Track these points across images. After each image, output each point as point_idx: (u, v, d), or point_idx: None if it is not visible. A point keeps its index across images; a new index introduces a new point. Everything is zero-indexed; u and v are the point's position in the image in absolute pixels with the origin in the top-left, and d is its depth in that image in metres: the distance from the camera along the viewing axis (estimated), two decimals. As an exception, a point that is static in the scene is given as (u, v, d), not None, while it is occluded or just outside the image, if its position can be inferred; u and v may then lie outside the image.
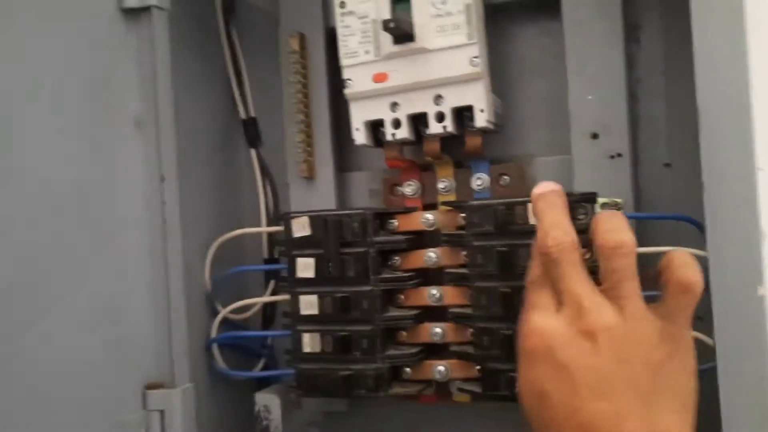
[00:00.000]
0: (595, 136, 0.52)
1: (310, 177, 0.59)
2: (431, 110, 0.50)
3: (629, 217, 0.50)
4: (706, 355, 0.40)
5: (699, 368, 0.39)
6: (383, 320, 0.52)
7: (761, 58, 0.38)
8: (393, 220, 0.54)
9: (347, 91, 0.52)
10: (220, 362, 0.58)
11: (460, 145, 0.53)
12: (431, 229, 0.54)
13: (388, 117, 0.52)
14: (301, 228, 0.53)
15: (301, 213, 0.53)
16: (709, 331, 0.41)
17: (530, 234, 0.44)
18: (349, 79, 0.52)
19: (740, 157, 0.38)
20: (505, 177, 0.55)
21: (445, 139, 0.52)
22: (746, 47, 0.38)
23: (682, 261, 0.37)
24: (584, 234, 0.45)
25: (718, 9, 0.38)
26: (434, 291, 0.53)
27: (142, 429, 0.49)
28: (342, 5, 0.51)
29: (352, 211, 0.52)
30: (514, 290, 0.47)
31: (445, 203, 0.55)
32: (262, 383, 0.62)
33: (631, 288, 0.37)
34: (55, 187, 0.44)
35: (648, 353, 0.36)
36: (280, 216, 0.57)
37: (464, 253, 0.51)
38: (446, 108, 0.50)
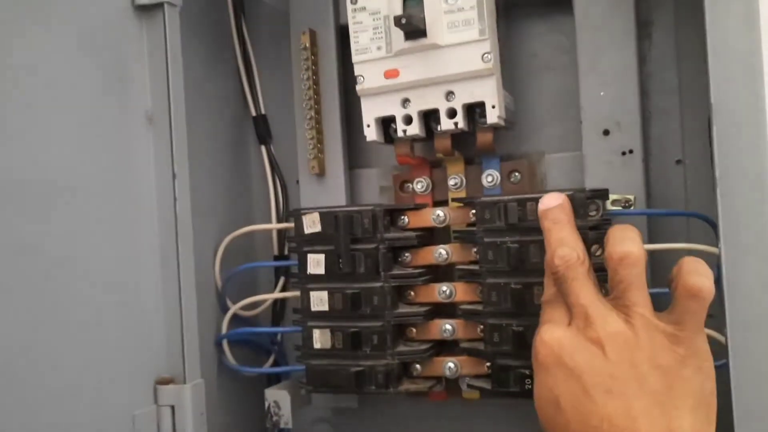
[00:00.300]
0: (606, 132, 0.52)
1: (320, 174, 0.59)
2: (442, 106, 0.50)
3: (641, 214, 0.51)
4: (717, 352, 0.40)
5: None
6: (393, 316, 0.52)
7: (775, 54, 0.38)
8: (404, 217, 0.54)
9: (359, 88, 0.52)
10: (231, 358, 0.58)
11: (471, 141, 0.53)
12: (442, 225, 0.54)
13: (399, 113, 0.51)
14: (311, 224, 0.53)
15: (312, 209, 0.53)
16: (720, 328, 0.41)
17: (541, 231, 0.44)
18: (360, 76, 0.52)
19: (753, 154, 0.38)
20: (516, 174, 0.55)
21: (456, 136, 0.52)
22: (760, 43, 0.37)
23: (691, 267, 0.38)
24: (596, 230, 0.45)
25: (732, 5, 0.38)
26: (445, 287, 0.53)
27: (153, 424, 0.50)
28: (354, 1, 0.51)
29: (362, 207, 0.52)
30: (524, 287, 0.47)
31: (455, 200, 0.55)
32: (272, 379, 0.63)
33: (638, 296, 0.38)
34: (68, 183, 0.44)
35: (657, 357, 0.37)
36: (290, 213, 0.57)
37: (475, 249, 0.51)
38: (457, 104, 0.50)
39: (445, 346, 0.54)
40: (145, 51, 0.51)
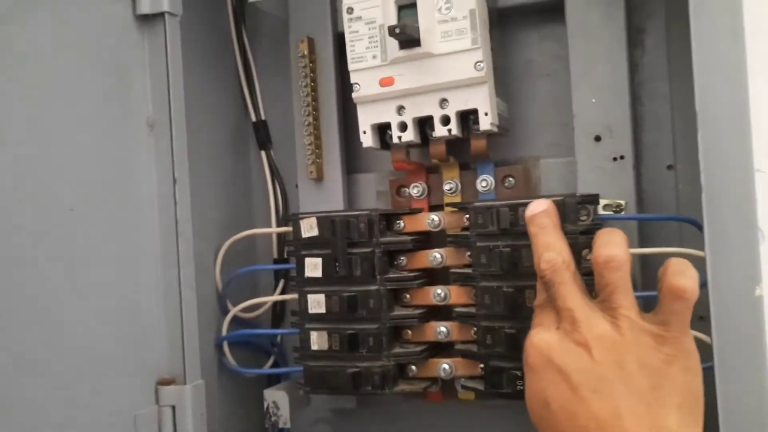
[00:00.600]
0: (598, 138, 0.53)
1: (318, 179, 0.60)
2: (437, 114, 0.51)
3: (632, 219, 0.51)
4: (707, 354, 0.40)
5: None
6: (389, 319, 0.53)
7: (759, 62, 0.38)
8: (399, 221, 0.55)
9: (355, 95, 0.53)
10: (231, 359, 0.59)
11: (465, 147, 0.54)
12: (437, 229, 0.54)
13: (394, 120, 0.53)
14: (309, 228, 0.54)
15: (310, 214, 0.54)
16: (710, 330, 0.42)
17: (532, 235, 0.45)
18: (356, 84, 0.53)
19: (738, 159, 0.38)
20: (510, 179, 0.56)
21: (451, 142, 0.53)
22: (744, 51, 0.38)
23: (677, 268, 0.38)
24: (587, 235, 0.46)
25: (717, 14, 0.39)
26: (439, 290, 0.54)
27: (154, 424, 0.51)
28: (350, 11, 0.52)
29: (359, 212, 0.53)
30: (516, 290, 0.48)
31: (449, 204, 0.56)
32: (272, 380, 0.64)
33: (623, 299, 0.39)
34: (71, 188, 0.45)
35: (643, 357, 0.38)
36: (288, 217, 0.58)
37: (468, 253, 0.51)
38: (451, 111, 0.51)
39: (440, 348, 0.55)
40: (146, 59, 0.52)
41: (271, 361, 0.64)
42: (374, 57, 0.52)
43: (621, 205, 0.51)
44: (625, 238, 0.41)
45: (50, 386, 0.43)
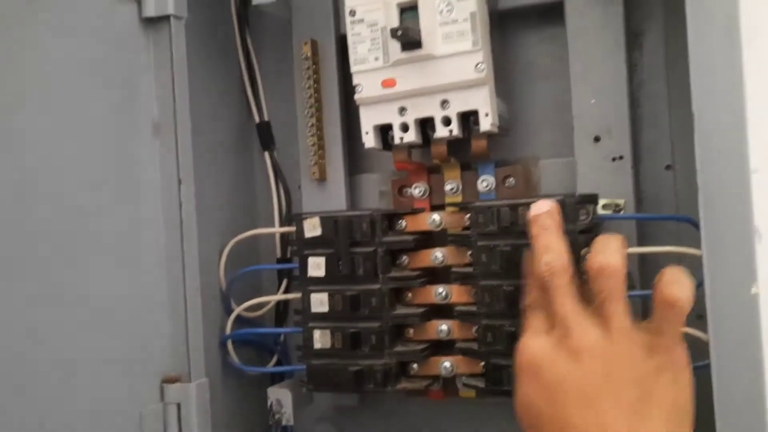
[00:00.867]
0: (597, 139, 0.53)
1: (321, 179, 0.61)
2: (438, 114, 0.52)
3: (631, 218, 0.52)
4: (705, 352, 0.41)
5: (695, 365, 0.40)
6: (391, 317, 0.54)
7: (756, 63, 0.39)
8: (401, 221, 0.56)
9: (357, 97, 0.53)
10: (235, 358, 0.60)
11: (466, 148, 0.54)
12: (438, 229, 0.55)
13: (396, 121, 0.53)
14: (312, 228, 0.55)
15: (313, 214, 0.55)
16: (707, 329, 0.42)
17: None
18: (358, 85, 0.53)
19: (735, 159, 0.39)
20: (511, 179, 0.56)
21: (452, 142, 0.54)
22: (741, 52, 0.39)
23: (671, 278, 0.38)
24: (586, 234, 0.47)
25: (714, 16, 0.39)
26: (441, 289, 0.54)
27: (159, 421, 0.51)
28: (352, 13, 0.53)
29: (361, 212, 0.54)
30: (516, 289, 0.49)
31: (450, 204, 0.56)
32: (275, 378, 0.64)
33: (616, 307, 0.39)
34: (76, 189, 0.46)
35: (633, 367, 0.38)
36: (291, 217, 0.58)
37: (469, 252, 0.52)
38: (452, 112, 0.51)
39: (442, 346, 0.56)
40: (151, 62, 0.53)
41: (274, 360, 0.64)
42: (376, 59, 0.52)
43: (620, 204, 0.51)
44: (623, 245, 0.41)
45: (57, 384, 0.43)
